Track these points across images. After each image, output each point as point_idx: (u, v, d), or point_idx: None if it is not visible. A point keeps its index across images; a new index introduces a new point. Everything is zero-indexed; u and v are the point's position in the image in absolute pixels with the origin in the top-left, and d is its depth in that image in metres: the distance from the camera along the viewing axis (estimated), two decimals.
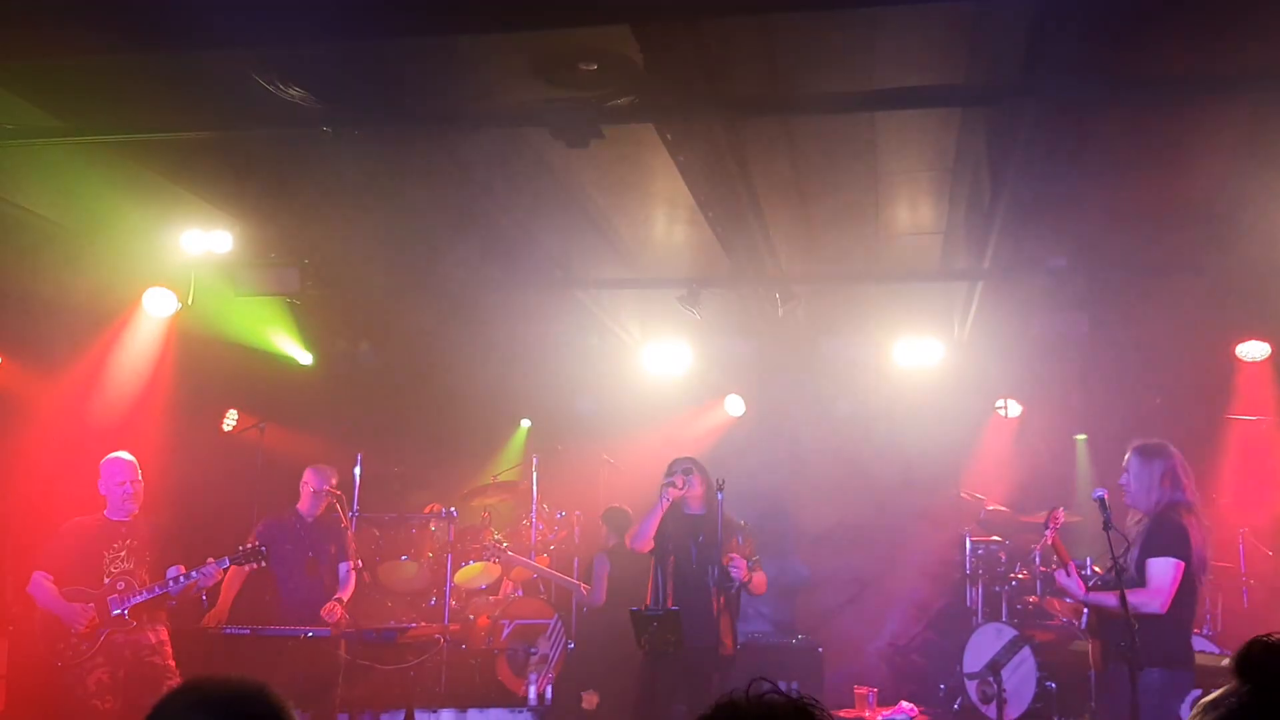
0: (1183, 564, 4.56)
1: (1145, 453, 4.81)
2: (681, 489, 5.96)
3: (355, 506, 8.11)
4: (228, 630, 6.39)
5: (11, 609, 6.26)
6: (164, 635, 5.94)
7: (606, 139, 5.02)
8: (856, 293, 8.83)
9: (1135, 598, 4.51)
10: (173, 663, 5.91)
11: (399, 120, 5.44)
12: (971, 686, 7.75)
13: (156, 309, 7.24)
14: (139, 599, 5.75)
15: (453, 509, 8.04)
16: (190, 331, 7.50)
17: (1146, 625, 4.44)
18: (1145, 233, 6.66)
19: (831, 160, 6.27)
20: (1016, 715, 7.38)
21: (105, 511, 5.94)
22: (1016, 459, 9.09)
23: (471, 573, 8.34)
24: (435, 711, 6.86)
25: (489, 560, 8.34)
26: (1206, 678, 3.88)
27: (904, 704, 8.30)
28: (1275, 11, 4.27)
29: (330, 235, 7.25)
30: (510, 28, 4.41)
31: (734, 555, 5.74)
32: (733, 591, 5.87)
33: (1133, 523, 4.80)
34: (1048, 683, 7.40)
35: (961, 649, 7.95)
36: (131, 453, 6.04)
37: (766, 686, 1.69)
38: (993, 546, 8.53)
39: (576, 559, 8.69)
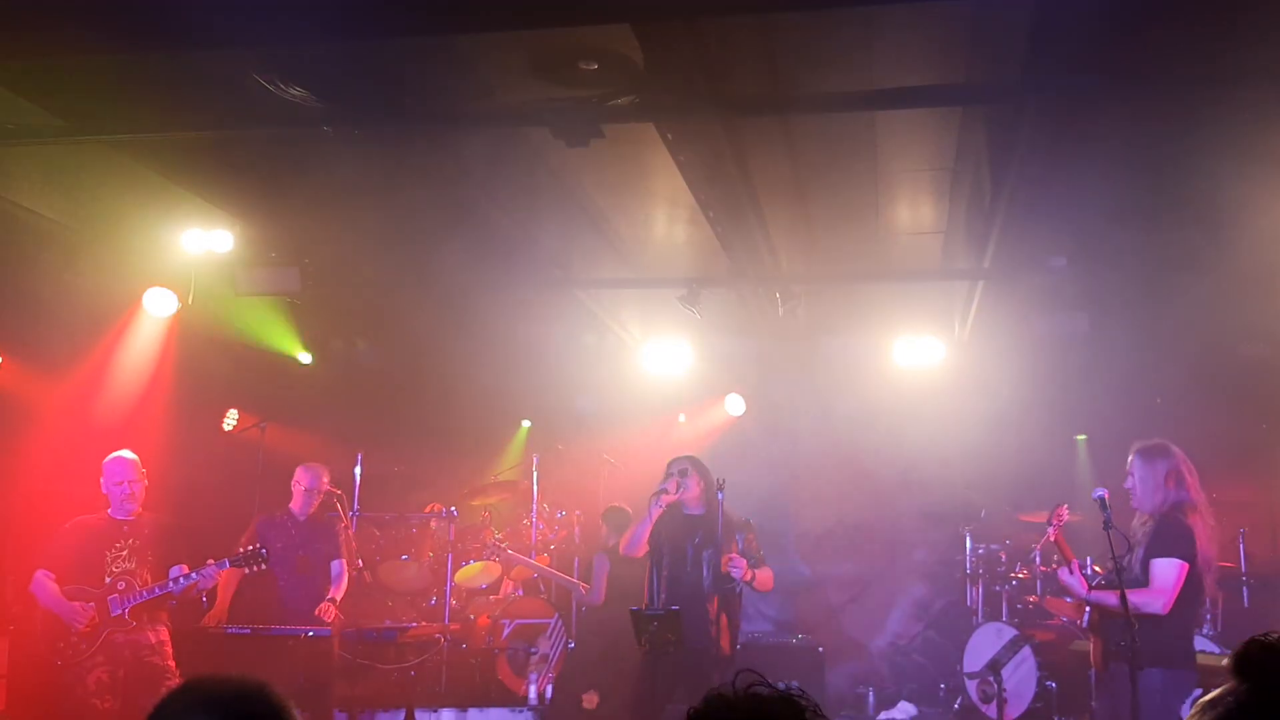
0: (1187, 565, 4.55)
1: (1147, 454, 4.79)
2: (675, 494, 5.93)
3: (355, 506, 8.11)
4: (229, 630, 6.39)
5: (12, 608, 6.26)
6: (164, 635, 5.93)
7: (606, 138, 5.02)
8: (857, 292, 8.82)
9: (1138, 597, 4.50)
10: (173, 663, 5.90)
11: (399, 120, 5.44)
12: (972, 686, 7.75)
13: (156, 309, 7.24)
14: (139, 599, 5.74)
15: (453, 508, 8.04)
16: (190, 331, 7.50)
17: (1147, 625, 4.43)
18: (1145, 232, 6.65)
19: (832, 160, 6.26)
20: (1016, 715, 7.38)
21: (109, 510, 5.94)
22: (1016, 459, 9.09)
23: (472, 572, 8.35)
24: (435, 711, 6.86)
25: (489, 559, 8.35)
26: (1207, 677, 3.88)
27: (904, 703, 8.31)
28: (1275, 11, 4.27)
29: (330, 235, 7.25)
30: (510, 27, 4.41)
31: (733, 556, 5.72)
32: (732, 592, 5.85)
33: (1138, 524, 4.79)
34: (1048, 682, 7.41)
35: (962, 648, 7.96)
36: (133, 451, 6.04)
37: (754, 678, 1.71)
38: (993, 546, 8.54)
39: (577, 558, 8.70)
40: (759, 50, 4.90)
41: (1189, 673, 4.62)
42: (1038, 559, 8.04)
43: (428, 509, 8.50)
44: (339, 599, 6.64)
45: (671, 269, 7.96)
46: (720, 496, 5.72)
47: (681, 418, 10.52)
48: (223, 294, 7.45)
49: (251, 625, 6.41)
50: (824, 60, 5.04)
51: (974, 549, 8.61)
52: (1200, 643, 6.05)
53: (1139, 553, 4.67)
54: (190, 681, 1.84)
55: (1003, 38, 4.67)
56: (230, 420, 8.44)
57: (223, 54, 4.68)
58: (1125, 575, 4.56)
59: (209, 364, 7.83)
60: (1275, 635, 1.84)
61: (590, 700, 7.65)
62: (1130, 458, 4.84)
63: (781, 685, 1.71)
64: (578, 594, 8.21)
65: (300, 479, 6.82)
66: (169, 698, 1.82)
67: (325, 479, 6.90)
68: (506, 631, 7.89)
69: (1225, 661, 1.88)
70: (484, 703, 7.15)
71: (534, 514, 8.72)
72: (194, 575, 5.82)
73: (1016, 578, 8.26)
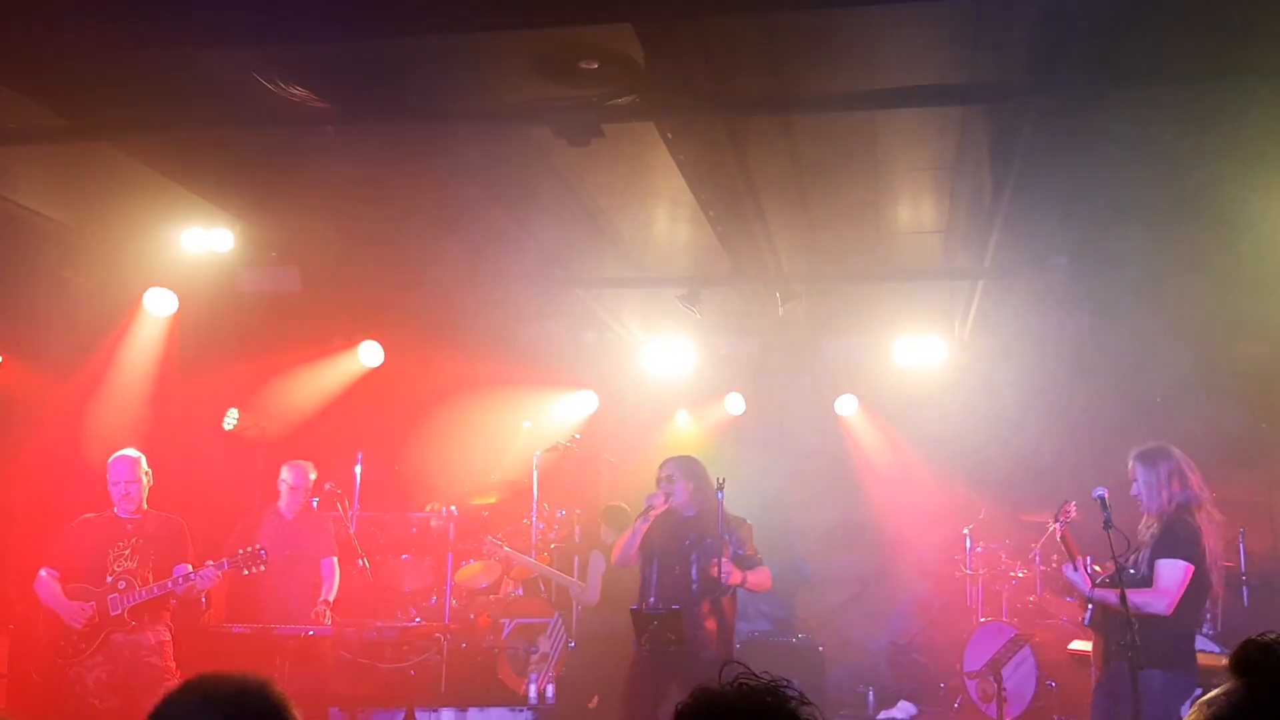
0: (1192, 567, 4.54)
1: (1147, 458, 4.78)
2: (664, 506, 5.91)
3: (356, 505, 8.11)
4: (234, 629, 6.37)
5: (13, 608, 6.26)
6: (165, 635, 5.88)
7: (607, 138, 5.02)
8: (857, 291, 8.83)
9: (1141, 597, 4.50)
10: (173, 664, 5.88)
11: (400, 119, 5.44)
12: (972, 685, 7.76)
13: (157, 308, 7.24)
14: (138, 599, 5.73)
15: (453, 508, 8.04)
16: (190, 331, 7.50)
17: (1149, 625, 4.42)
18: (1145, 232, 6.66)
19: (832, 159, 6.27)
20: (1016, 714, 7.38)
21: (114, 509, 5.93)
22: (1017, 458, 9.09)
23: (472, 571, 8.35)
24: (436, 710, 6.86)
25: (489, 559, 8.35)
26: (1208, 677, 3.88)
27: (904, 703, 8.31)
28: (1275, 11, 4.27)
29: (330, 234, 7.25)
30: (512, 27, 4.41)
31: (722, 560, 5.68)
32: (724, 594, 5.81)
33: (1144, 526, 4.78)
34: (1048, 681, 7.41)
35: (962, 648, 7.96)
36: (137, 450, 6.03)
37: (739, 670, 1.71)
38: (993, 545, 8.54)
39: (577, 558, 8.69)
40: (760, 50, 4.91)
41: (1189, 674, 4.62)
42: (1038, 558, 8.04)
43: (428, 508, 8.51)
44: (331, 600, 6.60)
45: (672, 268, 7.96)
46: (720, 496, 5.71)
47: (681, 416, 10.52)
48: (222, 294, 7.44)
49: (252, 624, 6.39)
50: (824, 60, 5.04)
51: (974, 548, 8.61)
52: (1200, 642, 6.04)
53: (1145, 553, 4.67)
54: (193, 680, 1.84)
55: (1003, 38, 4.68)
56: (230, 420, 8.43)
57: (224, 52, 4.69)
58: (1132, 575, 4.56)
59: (208, 364, 7.83)
60: (1273, 635, 1.84)
61: (592, 702, 7.65)
62: (1131, 464, 4.82)
63: (767, 677, 1.72)
64: (574, 592, 8.21)
65: (286, 477, 6.79)
66: (172, 696, 1.82)
67: (311, 476, 6.85)
68: (506, 631, 7.89)
69: (1225, 661, 1.89)
70: (484, 702, 7.15)
71: (534, 513, 8.72)
72: (193, 576, 5.80)
73: (1016, 577, 8.25)
